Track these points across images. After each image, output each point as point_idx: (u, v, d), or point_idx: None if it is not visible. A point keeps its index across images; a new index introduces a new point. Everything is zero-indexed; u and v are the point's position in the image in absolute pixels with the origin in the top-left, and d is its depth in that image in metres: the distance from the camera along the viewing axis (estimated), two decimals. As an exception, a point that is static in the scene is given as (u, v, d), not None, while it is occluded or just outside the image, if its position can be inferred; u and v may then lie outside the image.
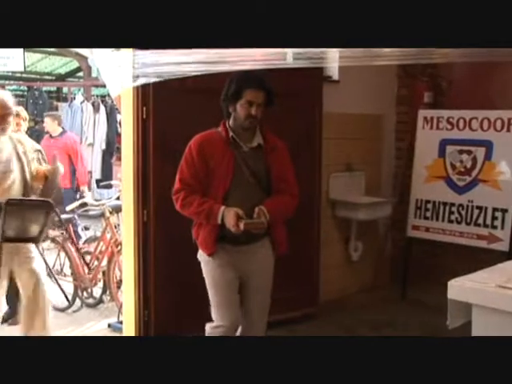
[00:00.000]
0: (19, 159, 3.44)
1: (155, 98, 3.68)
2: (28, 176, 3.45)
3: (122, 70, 3.41)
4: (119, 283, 4.59)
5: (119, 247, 4.50)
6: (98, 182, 8.77)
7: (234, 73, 2.99)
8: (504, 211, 4.56)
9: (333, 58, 3.42)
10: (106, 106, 8.94)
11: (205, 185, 2.99)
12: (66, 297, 4.32)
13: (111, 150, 9.00)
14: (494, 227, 4.61)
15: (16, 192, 3.37)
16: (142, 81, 3.38)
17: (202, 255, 3.11)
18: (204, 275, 3.13)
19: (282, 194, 3.07)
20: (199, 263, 3.15)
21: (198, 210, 2.96)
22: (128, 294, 3.91)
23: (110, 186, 7.34)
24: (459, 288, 2.26)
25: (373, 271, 5.42)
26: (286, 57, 3.24)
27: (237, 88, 2.93)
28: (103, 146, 8.96)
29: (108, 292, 4.80)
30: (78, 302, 4.84)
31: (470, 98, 4.93)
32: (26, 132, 5.08)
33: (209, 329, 3.14)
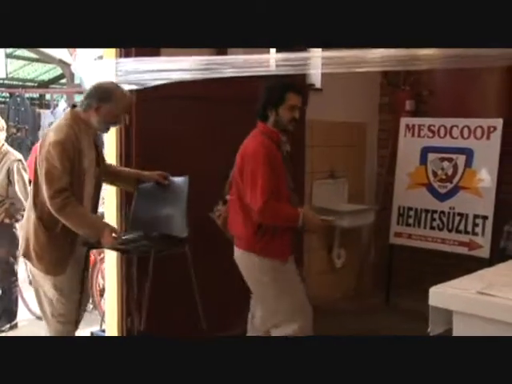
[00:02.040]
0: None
1: (138, 105, 3.67)
2: None
3: (104, 77, 3.40)
4: (102, 291, 4.56)
5: (102, 255, 4.47)
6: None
7: (271, 79, 3.13)
8: (484, 218, 4.61)
9: (315, 64, 3.45)
10: (89, 113, 8.89)
11: None
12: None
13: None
14: (475, 234, 4.66)
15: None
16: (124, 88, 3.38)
17: (269, 265, 3.06)
18: (271, 284, 3.07)
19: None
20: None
21: (286, 215, 3.03)
22: (111, 302, 3.88)
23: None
24: (440, 295, 2.28)
25: (356, 278, 5.43)
26: (269, 63, 3.27)
27: (281, 93, 3.04)
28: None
29: (91, 300, 4.75)
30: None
31: (450, 106, 4.98)
32: (7, 140, 5.05)
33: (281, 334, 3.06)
